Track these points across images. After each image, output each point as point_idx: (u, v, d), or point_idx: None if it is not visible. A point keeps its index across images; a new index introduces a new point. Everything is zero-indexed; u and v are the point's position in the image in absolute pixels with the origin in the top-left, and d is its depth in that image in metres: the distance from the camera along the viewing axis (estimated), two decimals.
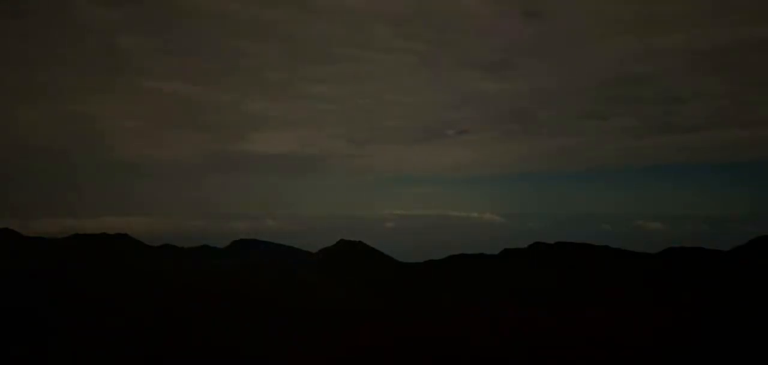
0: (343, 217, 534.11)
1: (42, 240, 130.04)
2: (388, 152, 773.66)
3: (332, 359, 64.39)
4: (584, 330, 66.31)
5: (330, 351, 66.55)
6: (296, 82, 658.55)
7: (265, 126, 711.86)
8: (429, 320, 75.27)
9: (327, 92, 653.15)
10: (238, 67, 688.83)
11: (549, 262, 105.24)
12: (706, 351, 57.84)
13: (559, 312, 74.18)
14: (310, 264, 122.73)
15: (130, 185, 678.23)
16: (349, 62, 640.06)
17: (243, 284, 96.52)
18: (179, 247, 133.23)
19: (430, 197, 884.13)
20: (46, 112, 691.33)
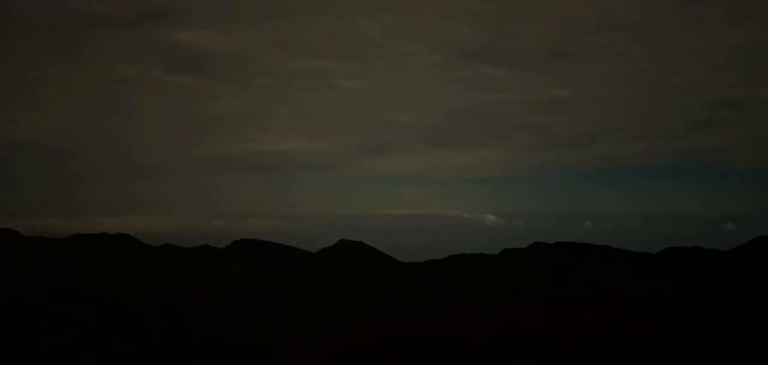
0: (343, 217, 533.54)
1: (42, 240, 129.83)
2: (376, 156, 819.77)
3: (332, 359, 64.50)
4: (584, 330, 66.34)
5: (330, 351, 66.65)
6: (264, 115, 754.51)
7: (257, 133, 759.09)
8: (429, 320, 75.30)
9: (294, 119, 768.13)
10: (216, 104, 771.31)
11: (549, 262, 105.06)
12: (706, 351, 57.89)
13: (559, 312, 74.16)
14: (310, 264, 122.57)
15: (130, 185, 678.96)
16: (298, 103, 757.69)
17: (243, 284, 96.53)
18: (179, 247, 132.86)
19: (429, 197, 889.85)
20: (47, 114, 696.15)
